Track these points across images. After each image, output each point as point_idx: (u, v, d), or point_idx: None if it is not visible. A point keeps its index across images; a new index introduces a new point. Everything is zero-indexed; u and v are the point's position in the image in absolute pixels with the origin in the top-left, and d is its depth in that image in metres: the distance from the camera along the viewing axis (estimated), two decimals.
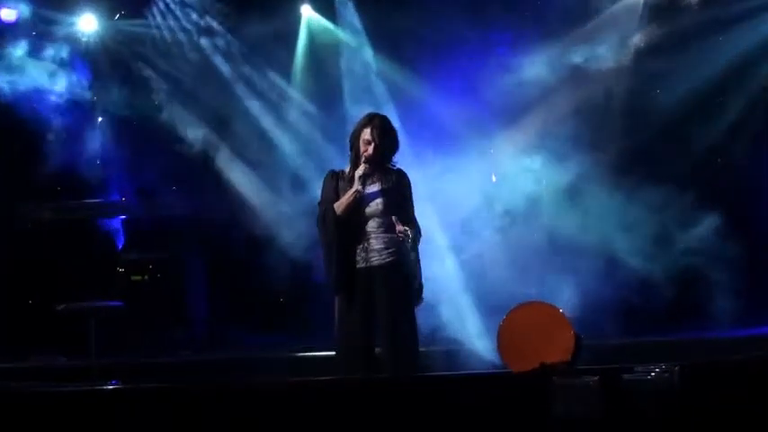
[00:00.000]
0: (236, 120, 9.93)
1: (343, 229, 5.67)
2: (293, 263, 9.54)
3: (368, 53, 9.85)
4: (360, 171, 5.64)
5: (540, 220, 9.44)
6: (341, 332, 5.74)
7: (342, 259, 5.66)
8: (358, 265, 5.69)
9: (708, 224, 8.98)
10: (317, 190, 6.15)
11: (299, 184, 9.60)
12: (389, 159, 5.81)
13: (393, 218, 5.62)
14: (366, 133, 5.68)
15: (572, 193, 9.27)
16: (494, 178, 9.70)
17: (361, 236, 5.68)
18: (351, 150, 5.82)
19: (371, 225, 5.71)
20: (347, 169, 5.85)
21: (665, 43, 9.57)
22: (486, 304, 8.66)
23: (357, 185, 5.62)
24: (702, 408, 4.47)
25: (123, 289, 9.61)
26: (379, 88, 9.71)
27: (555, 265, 9.09)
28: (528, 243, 9.30)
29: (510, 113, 9.54)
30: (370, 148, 5.66)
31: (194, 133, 9.91)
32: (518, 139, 9.49)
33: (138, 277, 9.91)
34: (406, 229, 5.57)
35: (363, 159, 5.69)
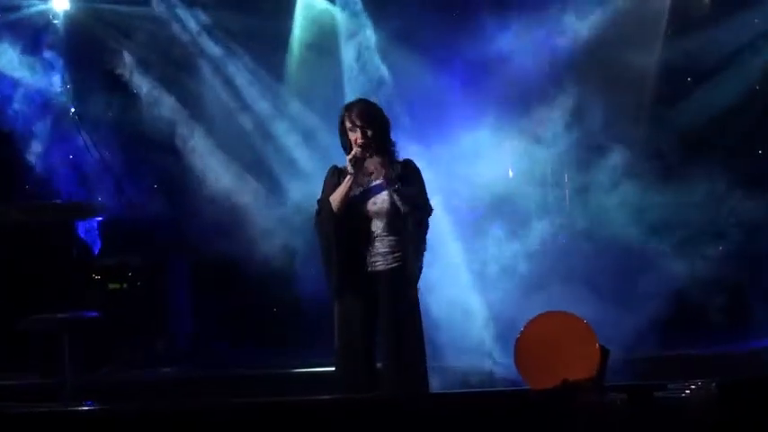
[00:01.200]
0: (223, 112, 10.05)
1: (342, 227, 5.73)
2: (289, 269, 9.65)
3: (369, 35, 9.88)
4: (351, 155, 5.69)
5: (561, 218, 9.58)
6: (341, 340, 5.78)
7: (341, 260, 5.72)
8: (361, 269, 5.77)
9: (749, 223, 9.14)
10: (315, 188, 6.27)
11: (294, 182, 9.71)
12: (385, 142, 5.86)
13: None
14: (348, 120, 5.77)
15: (596, 188, 9.36)
16: (511, 173, 9.77)
17: (366, 238, 5.73)
18: (343, 149, 5.87)
19: (377, 225, 5.76)
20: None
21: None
22: (502, 313, 8.75)
23: (349, 169, 5.68)
24: (742, 429, 4.43)
25: (100, 298, 9.65)
26: (383, 73, 9.73)
27: (578, 268, 9.24)
28: (548, 244, 9.41)
29: (532, 98, 9.60)
30: (358, 134, 5.71)
31: (179, 127, 10.02)
32: (539, 128, 9.54)
33: (116, 285, 9.98)
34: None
35: (358, 147, 5.77)
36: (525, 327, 7.13)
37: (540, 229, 9.41)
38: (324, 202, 5.79)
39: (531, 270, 9.11)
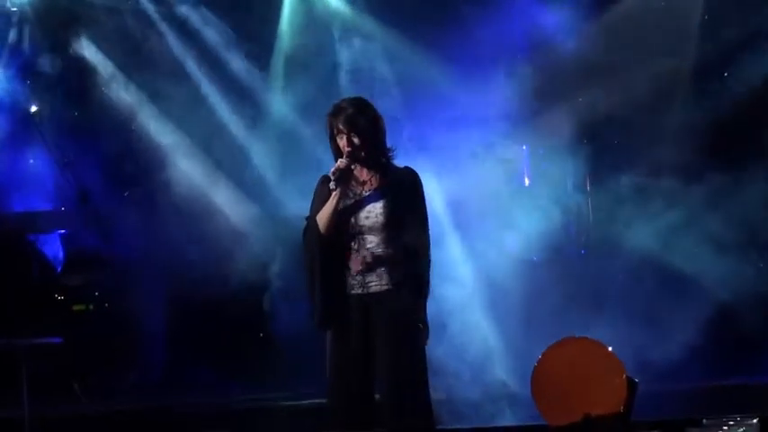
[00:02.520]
0: (202, 111, 10.15)
1: (328, 248, 5.68)
2: (277, 286, 9.73)
3: (368, 25, 9.98)
4: (334, 167, 5.62)
5: (583, 230, 9.75)
6: (333, 370, 5.74)
7: (326, 288, 5.67)
8: (353, 291, 5.71)
9: None
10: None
11: (281, 193, 9.83)
12: (379, 147, 5.79)
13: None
14: (335, 126, 5.69)
15: (622, 196, 9.42)
16: (527, 181, 9.84)
17: (358, 253, 5.69)
18: (334, 155, 5.80)
19: (370, 240, 5.71)
20: None
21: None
22: (517, 339, 8.84)
23: (332, 183, 5.60)
24: None
25: (63, 322, 9.66)
26: (383, 69, 9.83)
27: (602, 289, 9.27)
28: (568, 261, 9.54)
29: (548, 96, 9.66)
30: (344, 141, 5.66)
31: (151, 128, 10.15)
32: (558, 130, 9.63)
33: (81, 307, 10.01)
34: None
35: (347, 156, 5.67)
36: (543, 354, 7.12)
37: (559, 243, 9.55)
38: (311, 219, 5.76)
39: (548, 290, 9.18)
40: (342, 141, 5.63)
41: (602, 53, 9.58)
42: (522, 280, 9.28)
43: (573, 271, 9.64)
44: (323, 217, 5.63)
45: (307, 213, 5.74)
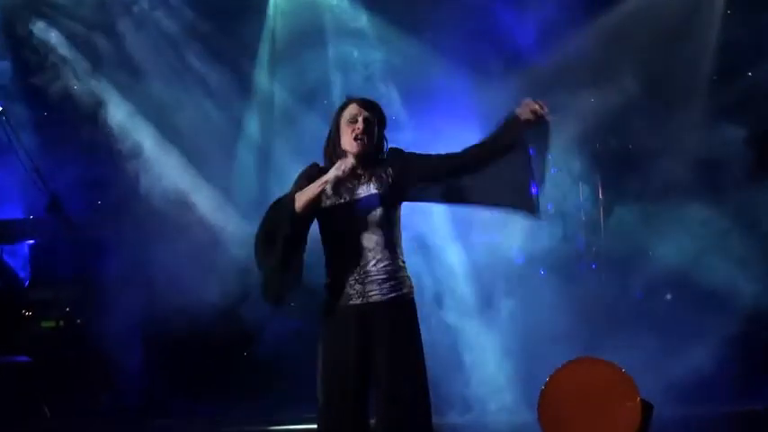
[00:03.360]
0: (183, 110, 10.12)
1: (298, 226, 5.56)
2: (260, 307, 9.34)
3: (361, 18, 9.99)
4: (342, 167, 5.52)
5: (595, 240, 9.74)
6: (324, 391, 5.61)
7: (285, 261, 5.54)
8: (352, 301, 5.58)
9: None
10: None
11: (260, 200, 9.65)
12: (380, 148, 5.71)
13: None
14: (348, 110, 5.67)
15: (640, 204, 9.45)
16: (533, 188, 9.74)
17: (355, 259, 5.61)
18: (327, 145, 5.73)
19: (368, 244, 5.63)
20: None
21: None
22: (525, 361, 8.88)
23: (331, 176, 5.49)
24: None
25: (31, 339, 9.63)
26: (378, 68, 9.83)
27: (616, 305, 9.29)
28: (579, 274, 9.55)
29: (556, 94, 9.23)
30: (359, 125, 5.61)
31: (126, 129, 10.09)
32: (566, 132, 9.46)
33: (51, 324, 9.95)
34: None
35: (355, 141, 5.58)
36: (552, 376, 7.16)
37: (567, 257, 9.58)
38: (283, 197, 5.65)
39: (556, 307, 9.19)
40: (354, 126, 5.59)
41: (615, 48, 9.63)
42: (528, 296, 9.34)
43: (583, 286, 9.67)
44: (302, 198, 5.56)
45: None
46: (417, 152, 5.64)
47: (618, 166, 9.75)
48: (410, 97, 9.61)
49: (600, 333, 8.78)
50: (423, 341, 5.60)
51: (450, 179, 5.60)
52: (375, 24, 9.99)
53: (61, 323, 9.92)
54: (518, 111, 5.50)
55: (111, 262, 10.01)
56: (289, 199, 5.57)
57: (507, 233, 9.39)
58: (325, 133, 5.66)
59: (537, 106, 5.45)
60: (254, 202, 9.77)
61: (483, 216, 9.23)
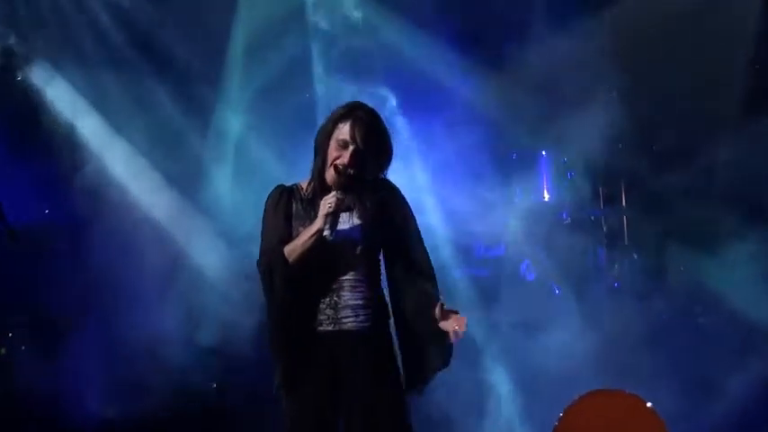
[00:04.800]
0: (143, 108, 10.05)
1: (298, 288, 5.58)
2: (234, 322, 9.64)
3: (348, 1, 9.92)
4: (328, 203, 5.52)
5: (617, 258, 9.69)
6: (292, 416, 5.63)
7: (292, 337, 5.60)
8: (321, 327, 5.62)
9: None
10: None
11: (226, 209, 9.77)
12: (375, 175, 5.72)
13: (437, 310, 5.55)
14: (343, 130, 5.60)
15: (671, 218, 9.46)
16: (546, 195, 9.83)
17: (329, 286, 5.65)
18: (316, 156, 5.71)
19: (347, 270, 5.65)
20: (305, 184, 5.77)
21: None
22: (536, 391, 8.92)
23: (321, 223, 5.52)
24: None
25: None
26: (369, 60, 9.73)
27: (641, 331, 9.24)
28: (598, 295, 9.52)
29: (574, 90, 9.57)
30: (347, 155, 5.57)
31: (81, 125, 10.03)
32: (585, 132, 9.49)
33: None
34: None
35: (336, 172, 5.56)
36: (566, 410, 7.30)
37: (586, 273, 9.59)
38: (270, 247, 5.64)
39: (573, 330, 9.20)
40: (343, 152, 5.57)
41: (640, 39, 9.62)
42: (541, 317, 9.36)
43: (604, 307, 9.61)
44: (296, 252, 5.56)
45: None
46: (409, 209, 5.75)
47: (644, 168, 9.70)
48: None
49: (622, 361, 8.85)
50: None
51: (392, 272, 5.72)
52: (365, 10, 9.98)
53: (2, 351, 9.78)
54: (441, 322, 5.57)
55: (63, 280, 9.91)
56: (274, 255, 5.57)
57: (516, 246, 9.44)
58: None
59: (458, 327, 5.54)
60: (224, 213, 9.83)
61: (488, 227, 9.39)
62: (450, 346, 5.61)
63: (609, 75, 9.56)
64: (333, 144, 5.59)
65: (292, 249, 5.55)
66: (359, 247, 5.62)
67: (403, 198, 5.77)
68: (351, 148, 5.54)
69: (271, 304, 5.61)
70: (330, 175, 5.58)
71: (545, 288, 9.51)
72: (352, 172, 5.54)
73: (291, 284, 5.56)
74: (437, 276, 5.77)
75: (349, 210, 5.63)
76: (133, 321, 9.72)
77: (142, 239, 9.81)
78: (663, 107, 9.46)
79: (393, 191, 5.76)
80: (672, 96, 9.43)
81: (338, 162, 5.54)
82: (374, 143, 5.59)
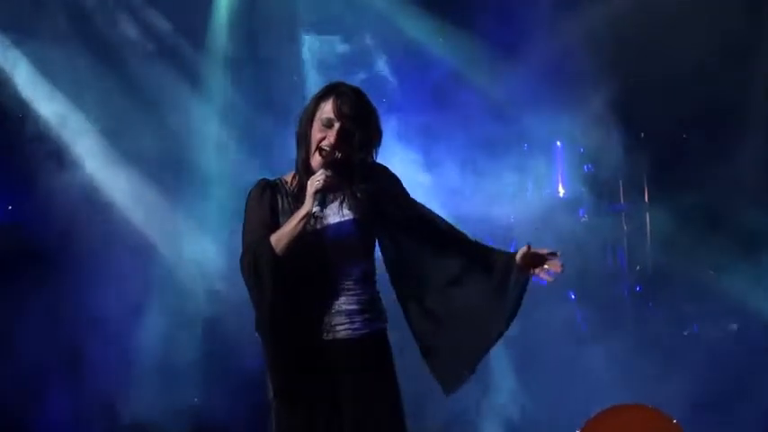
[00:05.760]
0: (115, 95, 9.90)
1: (286, 278, 5.51)
2: (215, 329, 9.65)
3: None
4: (316, 180, 5.43)
5: (637, 260, 9.64)
6: None
7: (283, 349, 5.54)
8: (316, 336, 5.55)
9: None
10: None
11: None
12: (364, 157, 5.64)
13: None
14: (326, 109, 5.56)
15: (698, 215, 9.36)
16: (561, 190, 9.79)
17: (321, 290, 5.56)
18: (299, 146, 5.65)
19: (338, 276, 5.56)
20: (289, 178, 5.72)
21: None
22: (552, 406, 8.90)
23: (310, 204, 5.43)
24: None
25: None
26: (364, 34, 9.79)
27: (666, 341, 9.29)
28: (617, 302, 9.51)
29: (590, 74, 9.55)
30: (333, 133, 5.50)
31: (46, 113, 9.92)
32: (603, 120, 9.48)
33: None
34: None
35: (321, 155, 5.50)
36: (586, 425, 7.28)
37: (605, 276, 9.57)
38: (255, 240, 5.56)
39: (591, 339, 9.24)
40: (328, 132, 5.50)
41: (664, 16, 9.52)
42: (556, 325, 9.31)
43: (624, 314, 9.68)
44: (283, 240, 5.47)
45: None
46: (408, 195, 5.70)
47: (670, 159, 9.65)
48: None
49: (645, 373, 8.84)
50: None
51: (419, 258, 5.65)
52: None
53: None
54: (521, 258, 5.61)
55: (23, 283, 9.76)
56: (260, 247, 5.50)
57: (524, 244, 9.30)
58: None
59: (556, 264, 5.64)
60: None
61: (495, 224, 9.36)
62: (519, 300, 5.60)
63: (628, 59, 9.56)
64: (316, 126, 5.53)
65: (279, 238, 5.46)
66: (352, 241, 5.55)
67: (397, 178, 5.69)
68: (336, 125, 5.49)
69: (259, 308, 5.54)
70: (316, 160, 5.49)
71: (559, 293, 9.42)
72: (339, 155, 5.46)
73: (279, 280, 5.48)
74: None
75: (339, 191, 5.56)
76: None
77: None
78: (690, 93, 9.35)
79: (387, 172, 5.69)
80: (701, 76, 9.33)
81: (323, 144, 5.47)
82: (361, 119, 5.52)
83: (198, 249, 9.82)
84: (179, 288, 9.74)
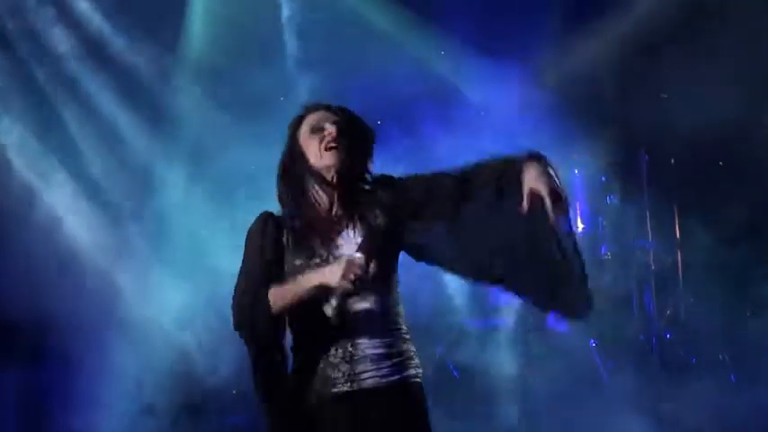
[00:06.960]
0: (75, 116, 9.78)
1: (279, 333, 5.26)
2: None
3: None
4: (350, 273, 5.08)
5: (672, 305, 9.47)
6: None
7: (291, 412, 5.25)
8: (335, 389, 5.22)
9: None
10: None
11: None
12: (361, 173, 5.35)
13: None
14: (310, 119, 5.36)
15: (736, 253, 9.14)
16: (581, 225, 9.63)
17: (339, 333, 5.26)
18: (284, 173, 5.35)
19: (359, 310, 5.21)
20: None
21: None
22: None
23: (335, 282, 5.07)
24: None
25: None
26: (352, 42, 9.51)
27: (699, 395, 8.93)
28: (647, 351, 9.31)
29: (614, 95, 9.61)
30: (329, 131, 5.23)
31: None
32: (628, 146, 9.40)
33: None
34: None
35: (326, 150, 5.22)
36: None
37: (630, 320, 9.47)
38: (250, 289, 5.26)
39: (614, 392, 9.03)
40: (320, 135, 5.26)
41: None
42: (575, 376, 9.21)
43: (651, 363, 9.54)
44: (283, 301, 5.18)
45: None
46: (412, 175, 5.47)
47: (703, 190, 9.42)
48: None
49: (677, 428, 8.71)
50: None
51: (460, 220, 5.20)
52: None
53: None
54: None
55: None
56: (257, 298, 5.24)
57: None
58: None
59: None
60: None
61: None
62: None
63: (657, 74, 9.41)
64: (305, 141, 5.28)
65: (281, 297, 5.16)
66: (374, 266, 5.16)
67: (398, 183, 5.31)
68: (329, 122, 5.25)
69: (255, 365, 5.30)
70: (323, 160, 5.21)
71: (579, 341, 9.26)
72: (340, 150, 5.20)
73: (278, 336, 5.25)
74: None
75: (349, 226, 5.25)
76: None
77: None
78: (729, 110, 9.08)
79: (391, 180, 5.34)
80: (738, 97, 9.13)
81: (326, 140, 5.21)
82: (354, 126, 5.31)
83: None
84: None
